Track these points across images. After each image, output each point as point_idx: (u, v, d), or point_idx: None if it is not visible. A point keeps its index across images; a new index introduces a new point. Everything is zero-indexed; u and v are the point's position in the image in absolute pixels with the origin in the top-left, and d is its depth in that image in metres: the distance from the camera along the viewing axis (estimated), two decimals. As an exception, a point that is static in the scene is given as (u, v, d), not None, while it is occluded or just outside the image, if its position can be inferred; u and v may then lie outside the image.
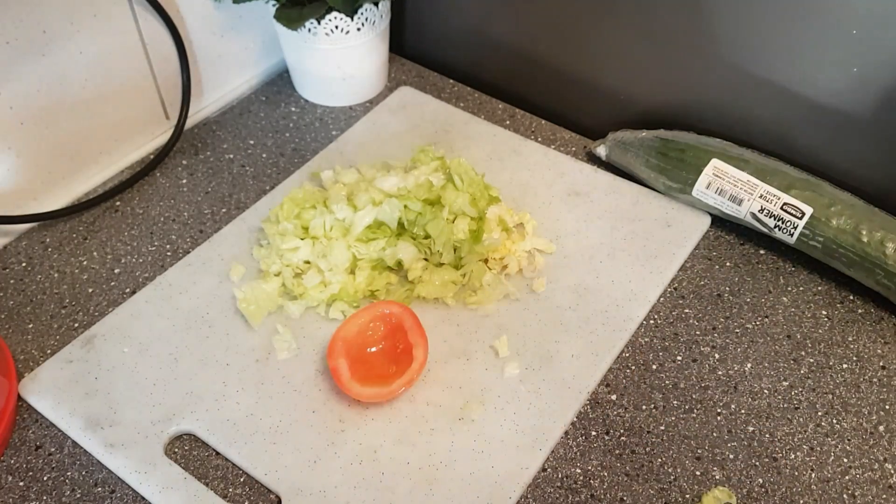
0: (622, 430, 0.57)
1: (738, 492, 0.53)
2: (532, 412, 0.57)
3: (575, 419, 0.57)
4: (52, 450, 0.56)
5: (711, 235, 0.70)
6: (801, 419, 0.57)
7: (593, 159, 0.76)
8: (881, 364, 0.60)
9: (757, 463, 0.55)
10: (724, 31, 0.67)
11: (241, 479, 0.54)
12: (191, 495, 0.53)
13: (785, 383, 0.59)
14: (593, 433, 0.57)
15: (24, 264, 0.68)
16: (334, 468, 0.54)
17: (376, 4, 0.76)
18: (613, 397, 0.59)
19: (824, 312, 0.64)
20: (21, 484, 0.54)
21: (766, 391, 0.59)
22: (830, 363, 0.61)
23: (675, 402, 0.58)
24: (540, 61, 0.81)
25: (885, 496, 0.53)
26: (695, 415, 0.58)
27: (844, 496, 0.53)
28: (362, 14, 0.76)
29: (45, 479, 0.55)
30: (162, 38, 0.74)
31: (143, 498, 0.54)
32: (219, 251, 0.68)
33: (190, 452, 0.56)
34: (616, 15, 0.73)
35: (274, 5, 0.76)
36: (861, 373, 0.60)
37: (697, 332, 0.63)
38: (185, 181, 0.75)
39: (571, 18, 0.76)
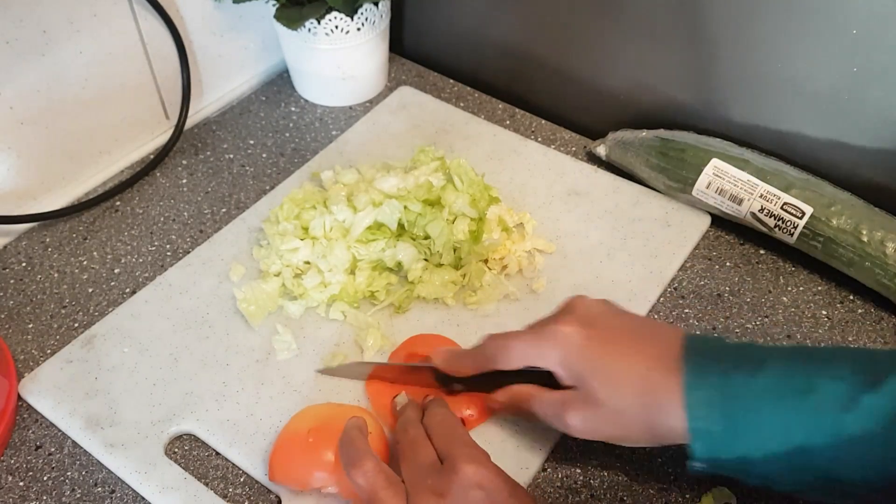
0: (622, 430, 0.57)
1: (738, 492, 0.53)
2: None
3: (575, 419, 0.57)
4: (52, 450, 0.56)
5: (711, 235, 0.70)
6: (801, 419, 0.57)
7: (593, 159, 0.76)
8: (881, 364, 0.60)
9: (757, 463, 0.55)
10: (724, 31, 0.67)
11: (241, 479, 0.54)
12: (191, 495, 0.53)
13: (785, 383, 0.59)
14: (593, 433, 0.57)
15: (24, 264, 0.68)
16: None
17: (376, 4, 0.76)
18: (613, 397, 0.58)
19: (824, 312, 0.64)
20: (21, 484, 0.54)
21: (766, 391, 0.59)
22: (830, 363, 0.61)
23: (675, 402, 0.58)
24: (540, 61, 0.81)
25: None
26: (695, 415, 0.57)
27: (844, 496, 0.53)
28: (362, 14, 0.76)
29: (45, 479, 0.55)
30: (162, 38, 0.74)
31: (143, 498, 0.54)
32: (219, 251, 0.68)
33: (190, 452, 0.56)
34: (616, 15, 0.73)
35: (274, 5, 0.76)
36: (861, 373, 0.60)
37: (697, 332, 0.63)
38: (185, 181, 0.75)
39: (571, 18, 0.76)
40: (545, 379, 0.50)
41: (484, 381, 0.53)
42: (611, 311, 0.52)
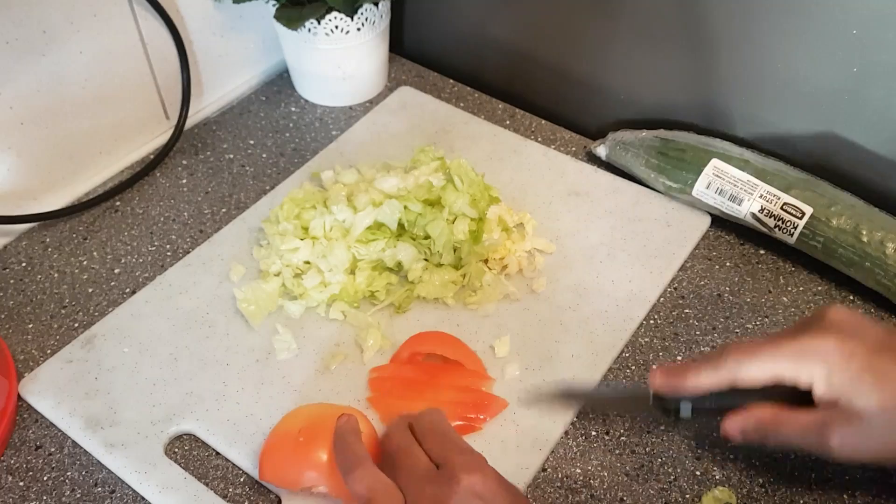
0: (622, 430, 0.57)
1: (738, 492, 0.53)
2: (532, 412, 0.57)
3: (575, 419, 0.57)
4: (52, 450, 0.56)
5: (711, 235, 0.70)
6: (801, 419, 0.57)
7: (593, 159, 0.76)
8: (881, 364, 0.60)
9: (757, 463, 0.55)
10: (724, 31, 0.67)
11: (241, 479, 0.54)
12: (191, 495, 0.53)
13: (785, 383, 0.59)
14: (593, 433, 0.57)
15: (24, 264, 0.68)
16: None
17: (376, 4, 0.76)
18: (613, 397, 0.59)
19: (824, 312, 0.64)
20: (21, 484, 0.54)
21: (766, 391, 0.59)
22: (830, 363, 0.60)
23: (675, 402, 0.58)
24: (540, 61, 0.81)
25: (884, 496, 0.53)
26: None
27: (844, 496, 0.53)
28: (362, 14, 0.76)
29: (45, 479, 0.55)
30: (162, 38, 0.74)
31: (143, 498, 0.54)
32: (219, 251, 0.68)
33: (190, 452, 0.56)
34: (616, 15, 0.73)
35: (274, 5, 0.76)
36: (861, 373, 0.60)
37: (697, 332, 0.63)
38: (185, 181, 0.75)
39: (571, 18, 0.76)
40: (773, 396, 0.48)
41: (712, 402, 0.49)
42: (866, 320, 0.48)
